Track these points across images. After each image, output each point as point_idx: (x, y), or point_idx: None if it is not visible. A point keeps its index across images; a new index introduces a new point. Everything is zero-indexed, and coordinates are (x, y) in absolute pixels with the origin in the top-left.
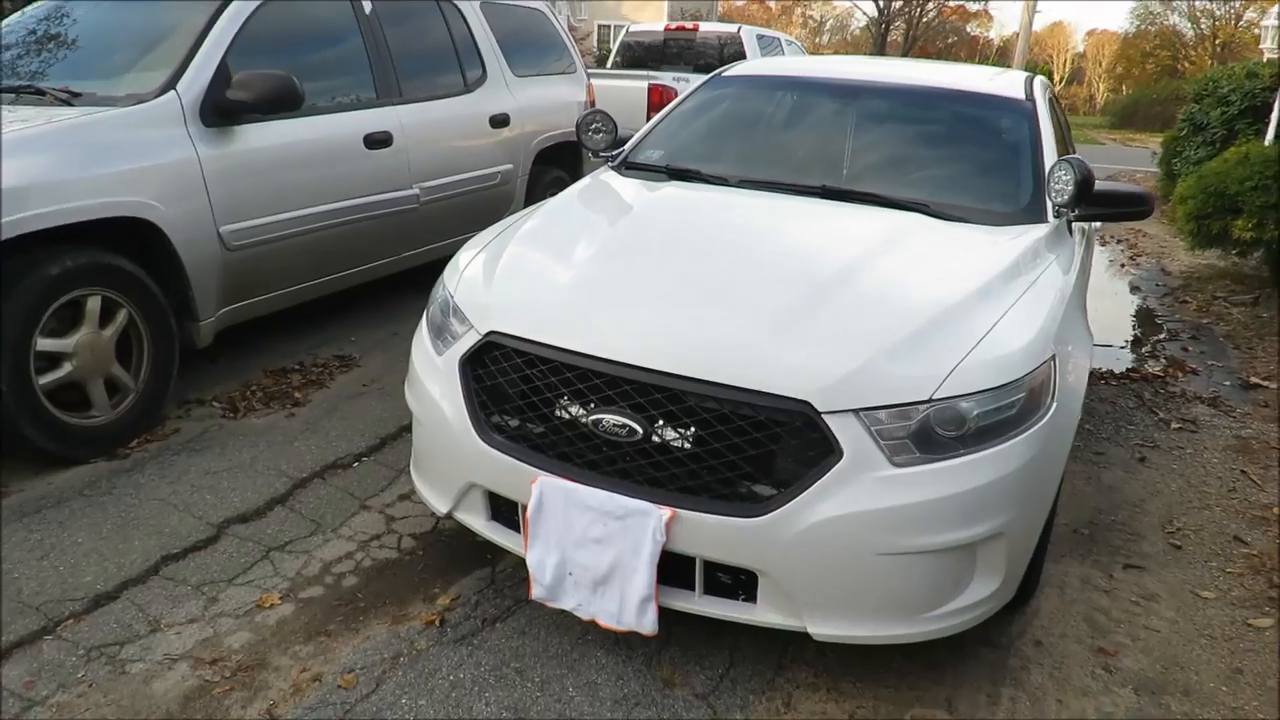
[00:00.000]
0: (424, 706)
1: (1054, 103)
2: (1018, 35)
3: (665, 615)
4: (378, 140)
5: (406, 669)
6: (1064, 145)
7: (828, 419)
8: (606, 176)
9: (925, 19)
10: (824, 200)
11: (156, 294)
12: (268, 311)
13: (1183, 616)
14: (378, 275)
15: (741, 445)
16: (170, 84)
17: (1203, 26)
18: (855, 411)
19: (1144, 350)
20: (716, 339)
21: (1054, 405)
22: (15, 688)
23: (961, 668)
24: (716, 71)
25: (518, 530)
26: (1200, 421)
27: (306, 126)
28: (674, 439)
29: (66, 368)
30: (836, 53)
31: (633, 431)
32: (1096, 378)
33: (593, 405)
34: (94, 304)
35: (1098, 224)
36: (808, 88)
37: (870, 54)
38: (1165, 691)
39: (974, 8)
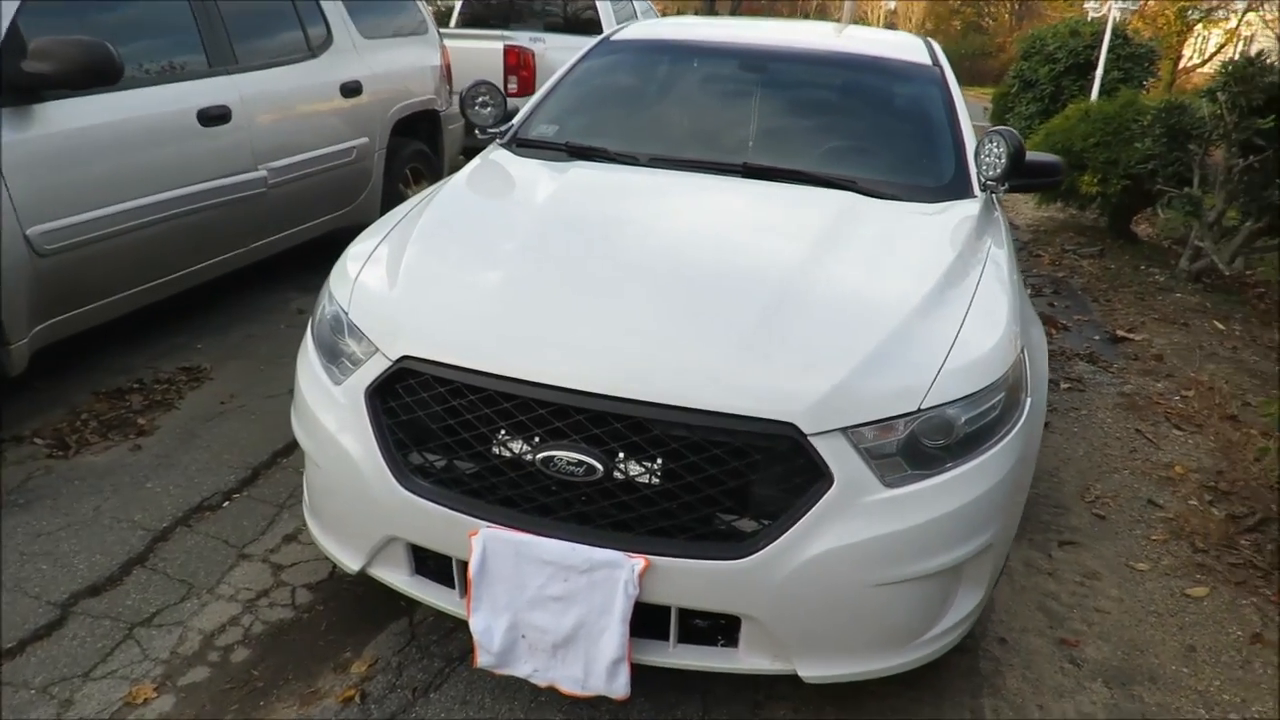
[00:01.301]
0: None
1: None
2: None
3: (634, 671)
4: (213, 116)
5: None
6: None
7: (815, 441)
8: (499, 157)
9: None
10: (749, 180)
11: None
12: (94, 324)
13: (1126, 594)
14: (226, 270)
15: (719, 477)
16: None
17: None
18: (843, 430)
19: None
20: (681, 356)
21: (1029, 400)
22: None
23: (937, 682)
24: (605, 35)
25: (450, 584)
26: (1085, 379)
27: (124, 101)
28: (640, 474)
29: None
30: (665, 11)
31: (591, 469)
32: None
33: (538, 440)
34: None
35: None
36: (709, 53)
37: (699, 14)
38: (1133, 681)
39: None
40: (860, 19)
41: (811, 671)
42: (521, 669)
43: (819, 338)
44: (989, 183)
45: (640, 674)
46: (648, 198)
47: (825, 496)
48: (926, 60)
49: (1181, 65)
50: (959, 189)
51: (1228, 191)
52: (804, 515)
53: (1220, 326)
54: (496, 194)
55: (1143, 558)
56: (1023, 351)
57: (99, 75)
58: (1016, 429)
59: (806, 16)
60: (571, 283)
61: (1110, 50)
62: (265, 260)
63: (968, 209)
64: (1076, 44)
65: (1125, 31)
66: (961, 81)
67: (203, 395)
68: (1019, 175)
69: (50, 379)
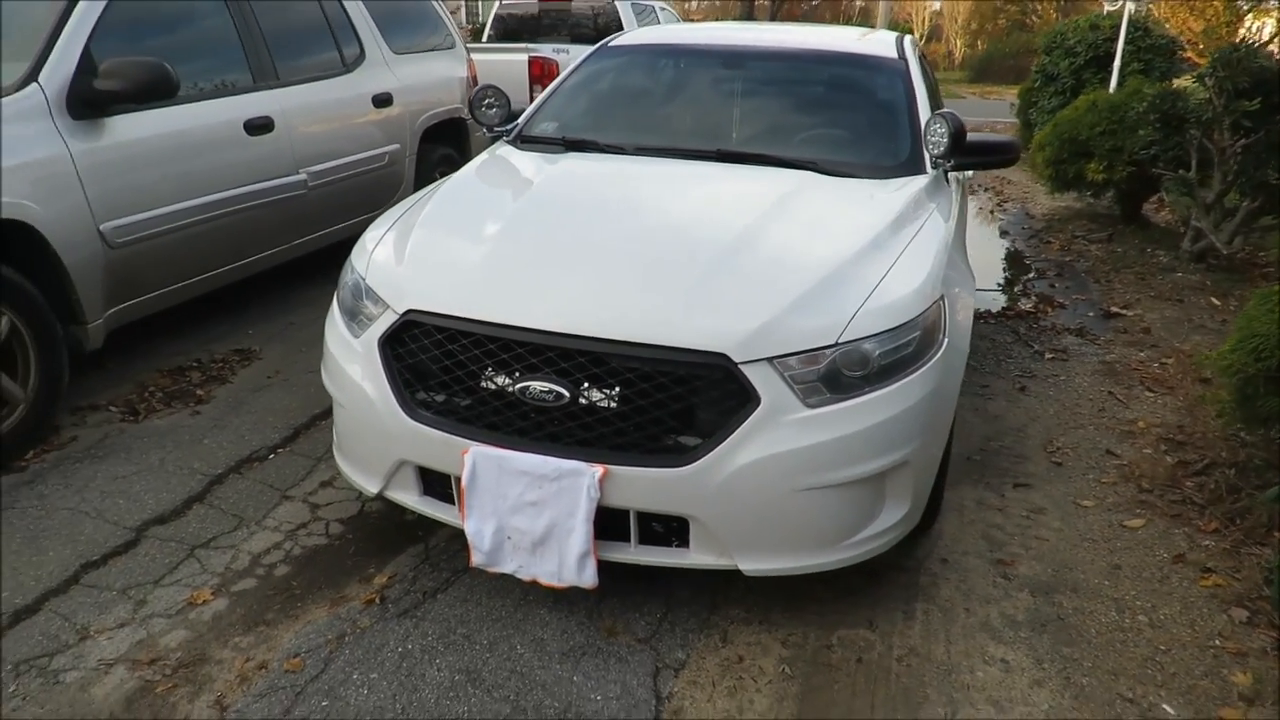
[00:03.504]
0: (375, 679)
1: (923, 59)
2: None
3: (603, 568)
4: (258, 126)
5: (353, 646)
6: (936, 100)
7: (744, 369)
8: (504, 151)
9: None
10: (720, 164)
11: (38, 299)
12: (158, 309)
13: (1067, 525)
14: (270, 265)
15: (665, 400)
16: (31, 76)
17: None
18: (769, 360)
19: (1017, 289)
20: (635, 302)
21: (945, 341)
22: None
23: (878, 591)
24: (603, 42)
25: (452, 502)
26: (1070, 350)
27: (182, 114)
28: (600, 400)
29: None
30: (706, 18)
31: (559, 396)
32: (978, 317)
33: (518, 374)
34: None
35: (969, 173)
36: (694, 54)
37: (739, 18)
38: (1056, 591)
39: None
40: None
41: (750, 566)
42: (508, 566)
43: (754, 285)
44: (937, 160)
45: (612, 577)
46: (626, 180)
47: (753, 415)
48: (893, 54)
49: None
50: (912, 167)
51: (1223, 173)
52: (735, 430)
53: (1216, 303)
54: (494, 182)
55: (1090, 496)
56: (942, 300)
57: (158, 91)
58: (930, 364)
59: (849, 20)
60: (548, 248)
61: (1130, 43)
62: (306, 256)
63: (915, 184)
64: (1096, 37)
65: (1145, 24)
66: (1006, 79)
67: (252, 372)
68: (963, 153)
69: (122, 358)
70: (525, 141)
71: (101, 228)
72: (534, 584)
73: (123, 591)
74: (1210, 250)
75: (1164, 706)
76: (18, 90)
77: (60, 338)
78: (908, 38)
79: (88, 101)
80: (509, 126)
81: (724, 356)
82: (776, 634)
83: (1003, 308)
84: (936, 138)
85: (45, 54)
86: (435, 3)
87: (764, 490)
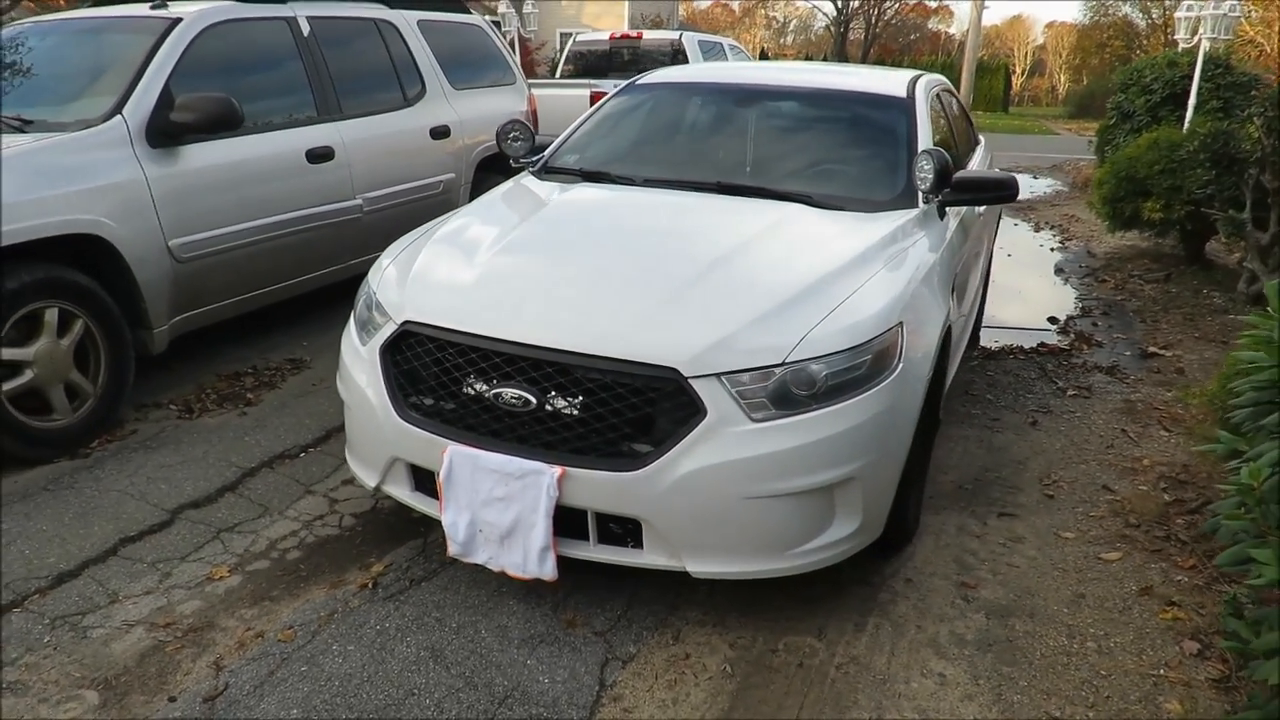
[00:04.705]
0: (351, 651)
1: (944, 98)
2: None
3: (567, 564)
4: (319, 155)
5: (339, 623)
6: (953, 137)
7: (694, 383)
8: (526, 181)
9: (885, 18)
10: (718, 195)
11: (110, 305)
12: (219, 319)
13: (1042, 554)
14: (326, 282)
15: (622, 410)
16: (117, 109)
17: (1153, 16)
18: (718, 376)
19: (1055, 327)
20: (599, 318)
21: (900, 366)
22: None
23: (835, 603)
24: (631, 80)
25: (436, 497)
26: (1095, 388)
27: (248, 144)
28: (564, 407)
29: (28, 375)
30: (799, 54)
31: (527, 402)
32: (1005, 353)
33: (494, 381)
34: (52, 315)
35: (980, 209)
36: (712, 92)
37: (831, 54)
38: (1013, 614)
39: (934, 4)
40: (1006, 54)
41: (698, 568)
42: (480, 556)
43: (713, 306)
44: (927, 195)
45: (578, 576)
46: (624, 209)
47: (699, 426)
48: (901, 94)
49: None
50: (905, 201)
51: (1278, 214)
52: (682, 439)
53: None
54: (509, 207)
55: (1073, 529)
56: (900, 326)
57: (225, 122)
58: (881, 386)
59: (949, 54)
60: (535, 268)
61: (1210, 80)
62: (360, 276)
63: (902, 217)
64: (1173, 74)
65: (1226, 60)
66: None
67: (300, 379)
68: (956, 189)
69: (185, 362)
70: (549, 172)
71: (170, 244)
72: (505, 576)
73: (152, 564)
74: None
75: None
76: (104, 121)
77: (128, 341)
78: (927, 78)
79: (164, 132)
80: (535, 158)
81: (675, 371)
82: (727, 636)
83: (1037, 345)
84: (924, 174)
85: (130, 90)
86: (498, 42)
87: (708, 497)
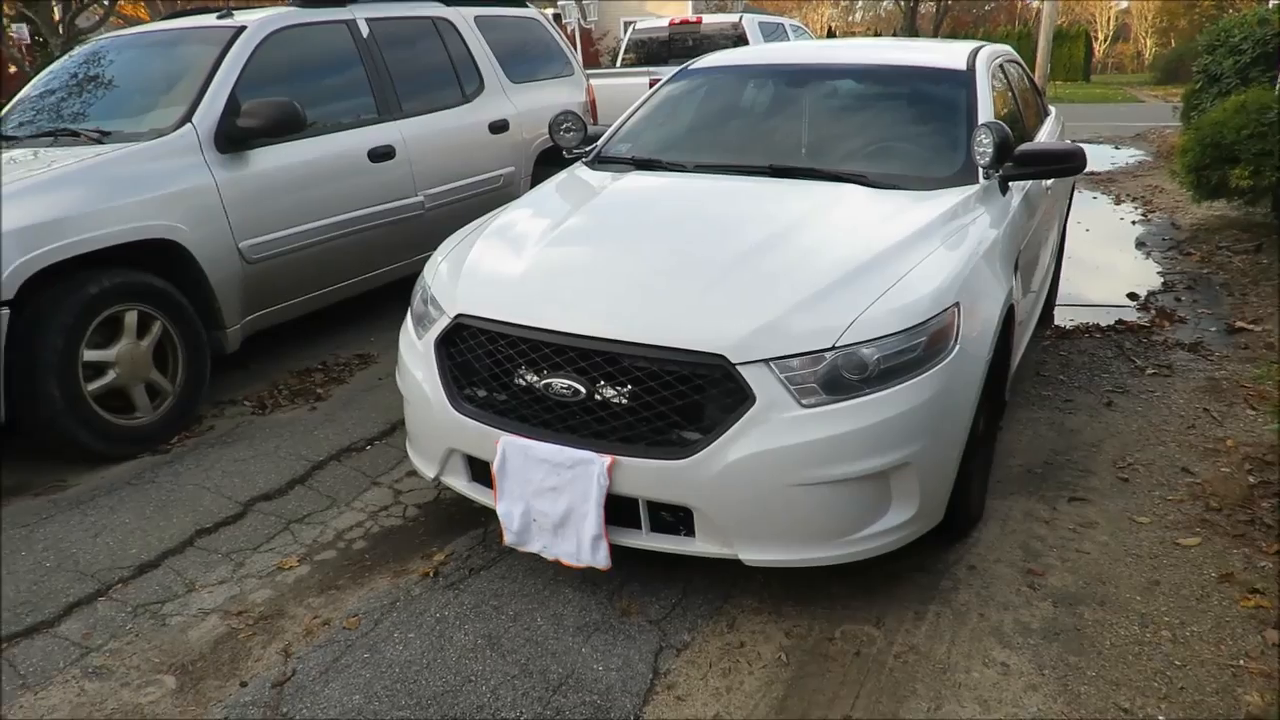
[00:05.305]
0: (412, 638)
1: (1008, 70)
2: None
3: (621, 553)
4: (381, 154)
5: (401, 611)
6: (1019, 110)
7: (741, 369)
8: (579, 171)
9: None
10: (771, 179)
11: (186, 306)
12: (288, 318)
13: (1115, 540)
14: (391, 279)
15: (670, 397)
16: (186, 117)
17: None
18: (766, 361)
19: (1135, 303)
20: (647, 307)
21: (957, 348)
22: (75, 638)
23: (894, 591)
24: (683, 65)
25: (491, 487)
26: (1176, 366)
27: (312, 146)
28: (613, 396)
29: (111, 375)
30: (868, 30)
31: (577, 392)
32: (1080, 332)
33: (544, 372)
34: (131, 318)
35: (1048, 183)
36: (765, 74)
37: (901, 29)
38: (1082, 602)
39: None
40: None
41: (751, 555)
42: (534, 545)
43: (760, 290)
44: (987, 170)
45: (633, 564)
46: (675, 196)
47: (748, 412)
48: (961, 66)
49: None
50: (964, 177)
51: None
52: (731, 426)
53: None
54: (561, 198)
55: (1148, 513)
56: (956, 307)
57: (288, 126)
58: (937, 369)
59: (1026, 23)
60: (584, 258)
61: None
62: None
63: (961, 194)
64: (1264, 33)
65: None
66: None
67: (367, 374)
68: (1018, 163)
69: (259, 360)
70: (602, 162)
71: (240, 246)
72: (561, 565)
73: (226, 554)
74: None
75: (1159, 719)
76: (175, 130)
77: (204, 341)
78: (988, 49)
79: (231, 138)
80: (589, 148)
81: (722, 358)
82: (782, 624)
83: (1115, 322)
84: (982, 148)
85: (198, 99)
86: (555, 34)
87: (759, 483)
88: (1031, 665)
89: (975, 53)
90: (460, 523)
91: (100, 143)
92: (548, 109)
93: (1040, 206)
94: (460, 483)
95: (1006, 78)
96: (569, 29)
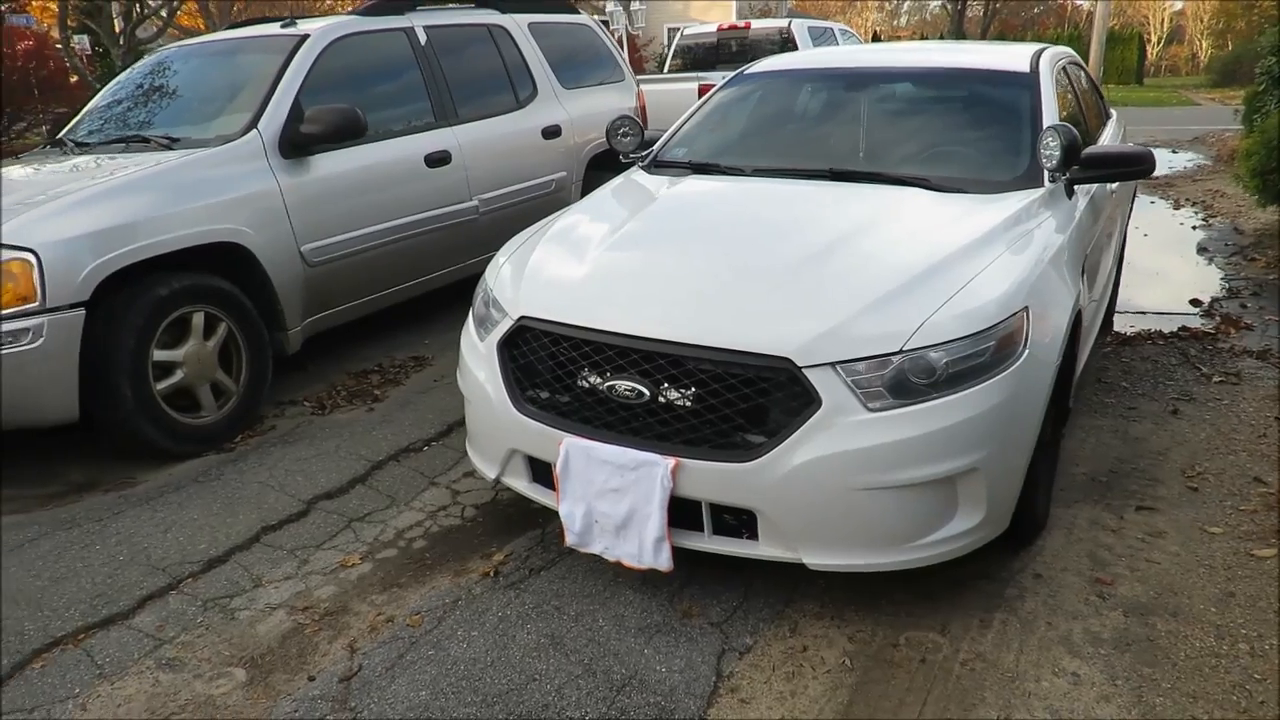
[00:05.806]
0: (475, 637)
1: (1071, 72)
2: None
3: (682, 555)
4: (437, 159)
5: (463, 609)
6: (1082, 112)
7: (807, 372)
8: (636, 176)
9: None
10: (831, 182)
11: (250, 308)
12: (347, 320)
13: (1186, 550)
14: (445, 282)
15: (734, 400)
16: (252, 124)
17: None
18: (832, 365)
19: (1199, 310)
20: (710, 309)
21: (1026, 353)
22: (149, 630)
23: (959, 598)
24: (739, 70)
25: (553, 488)
26: (1244, 374)
27: (371, 151)
28: (677, 398)
29: (178, 375)
30: (914, 34)
31: (641, 394)
32: (1142, 338)
33: (608, 374)
34: (198, 319)
35: (1112, 186)
36: (822, 78)
37: (948, 33)
38: (1153, 613)
39: None
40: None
41: (814, 560)
42: (596, 546)
43: (826, 293)
44: (1053, 174)
45: (696, 570)
46: (734, 200)
47: (814, 416)
48: (1024, 68)
49: None
50: (1029, 181)
51: None
52: (796, 430)
53: None
54: (619, 202)
55: (1220, 523)
56: (1025, 311)
57: (349, 132)
58: (1006, 374)
59: (1077, 26)
60: (646, 261)
61: None
62: (479, 274)
63: (1026, 197)
64: None
65: None
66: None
67: (423, 376)
68: (1085, 166)
69: (318, 362)
70: (658, 166)
71: (302, 249)
72: (620, 566)
73: (291, 551)
74: None
75: None
76: (241, 136)
77: (267, 342)
78: (1051, 51)
79: (294, 144)
80: (644, 152)
81: (788, 360)
82: (845, 630)
83: (1178, 328)
84: (1049, 151)
85: (263, 106)
86: (606, 41)
87: (824, 487)
88: (1104, 675)
89: (1038, 55)
90: (518, 523)
91: (169, 149)
92: (599, 114)
93: (1104, 210)
94: (521, 483)
95: (1069, 80)
96: (616, 35)
